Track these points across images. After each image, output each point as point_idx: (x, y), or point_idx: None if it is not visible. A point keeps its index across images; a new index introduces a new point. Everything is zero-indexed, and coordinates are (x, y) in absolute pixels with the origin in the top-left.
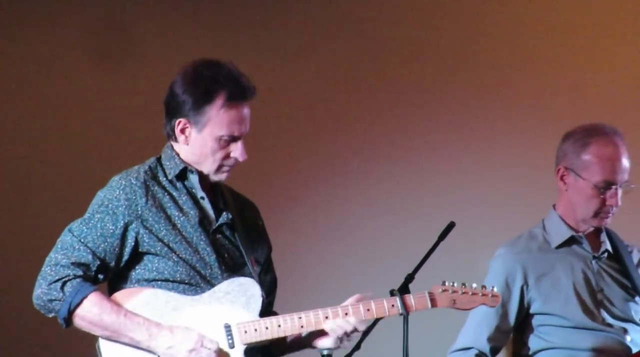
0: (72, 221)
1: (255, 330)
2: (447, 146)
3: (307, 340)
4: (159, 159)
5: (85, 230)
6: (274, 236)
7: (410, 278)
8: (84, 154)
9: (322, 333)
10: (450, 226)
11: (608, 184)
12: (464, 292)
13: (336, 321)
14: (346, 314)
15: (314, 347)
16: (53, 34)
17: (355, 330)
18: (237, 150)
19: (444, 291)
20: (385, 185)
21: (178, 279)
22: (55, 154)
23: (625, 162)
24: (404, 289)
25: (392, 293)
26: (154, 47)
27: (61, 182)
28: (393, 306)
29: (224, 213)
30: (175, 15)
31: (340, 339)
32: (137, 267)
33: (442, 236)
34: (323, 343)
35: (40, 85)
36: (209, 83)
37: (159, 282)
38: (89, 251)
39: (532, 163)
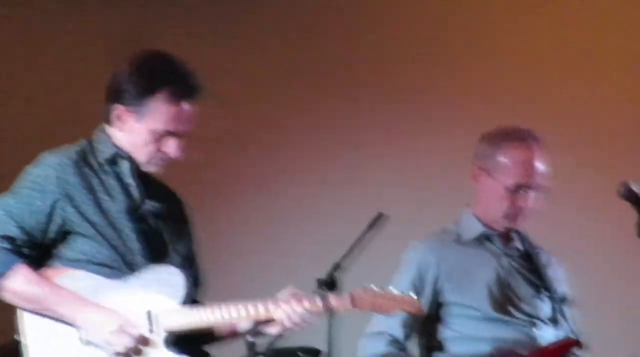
0: None
1: (177, 318)
2: (375, 139)
3: (229, 332)
4: (90, 142)
5: (14, 204)
6: (202, 229)
7: (337, 267)
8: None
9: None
10: (378, 217)
11: (519, 187)
12: (384, 297)
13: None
14: (274, 310)
15: (237, 336)
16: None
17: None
18: (171, 147)
19: (365, 293)
20: (314, 177)
21: (102, 262)
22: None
23: (540, 166)
24: (330, 279)
25: (318, 285)
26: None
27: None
28: (314, 304)
29: (151, 202)
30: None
31: (285, 327)
32: (63, 246)
33: (370, 226)
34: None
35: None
36: (155, 76)
37: (84, 263)
38: (16, 225)
39: (459, 159)
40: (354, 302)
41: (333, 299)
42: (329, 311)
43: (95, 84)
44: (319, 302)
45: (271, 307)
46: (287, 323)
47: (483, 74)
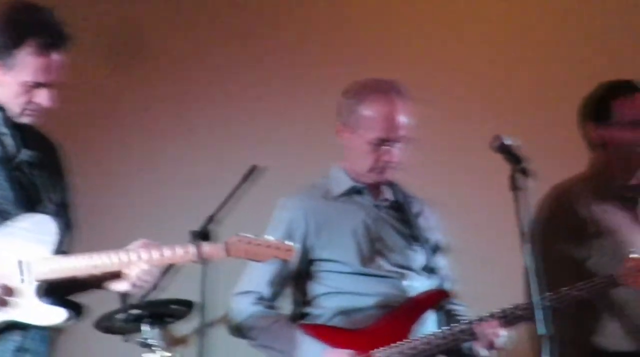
0: None
1: (49, 267)
2: (249, 92)
3: (100, 281)
4: None
5: None
6: (76, 180)
7: (210, 219)
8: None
9: (116, 275)
10: (252, 170)
11: (382, 141)
12: (258, 245)
13: (134, 266)
14: (139, 258)
15: (106, 289)
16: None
17: (150, 275)
18: (41, 97)
19: (239, 241)
20: (188, 130)
21: None
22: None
23: (402, 119)
24: (203, 231)
25: (192, 237)
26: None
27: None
28: (187, 252)
29: (27, 151)
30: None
31: (134, 284)
32: None
33: (244, 179)
34: (117, 286)
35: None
36: (21, 28)
37: None
38: None
39: (332, 112)
40: (228, 250)
41: (207, 247)
42: (203, 260)
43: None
44: (192, 250)
45: (142, 254)
46: (141, 276)
47: (356, 30)
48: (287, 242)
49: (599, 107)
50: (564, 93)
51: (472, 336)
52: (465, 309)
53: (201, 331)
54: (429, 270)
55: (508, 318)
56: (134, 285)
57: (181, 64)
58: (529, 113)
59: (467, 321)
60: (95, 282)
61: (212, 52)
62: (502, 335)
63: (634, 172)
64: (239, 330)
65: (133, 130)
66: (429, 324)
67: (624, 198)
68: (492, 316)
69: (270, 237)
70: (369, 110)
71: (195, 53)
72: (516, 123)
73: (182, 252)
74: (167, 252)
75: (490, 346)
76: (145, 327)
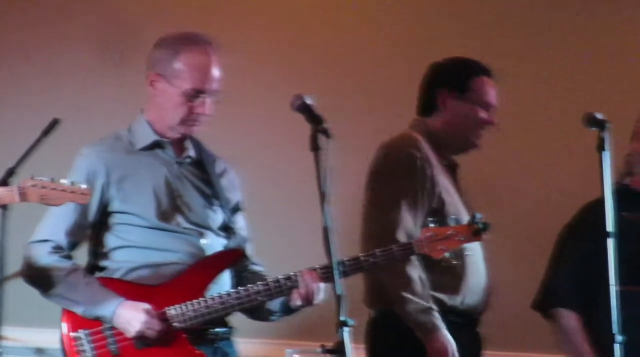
0: None
1: None
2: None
3: None
4: None
5: None
6: None
7: (10, 172)
8: None
9: None
10: (53, 123)
11: (196, 93)
12: (53, 188)
13: None
14: None
15: None
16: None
17: None
18: None
19: (34, 185)
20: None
21: None
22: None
23: (216, 71)
24: (2, 184)
25: None
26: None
27: None
28: None
29: None
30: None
31: None
32: None
33: (45, 132)
34: None
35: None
36: None
37: None
38: None
39: None
40: (22, 194)
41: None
42: None
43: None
44: None
45: None
46: None
47: None
48: (83, 186)
49: (459, 78)
50: (363, 56)
51: (290, 289)
52: (264, 269)
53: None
54: (228, 230)
55: (327, 273)
56: None
57: None
58: (328, 73)
59: (288, 274)
60: None
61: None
62: (321, 288)
63: (457, 150)
64: (33, 279)
65: None
66: (225, 283)
67: (447, 164)
68: (313, 269)
69: (65, 181)
70: (185, 61)
71: None
72: (317, 82)
73: None
74: None
75: (309, 298)
76: None
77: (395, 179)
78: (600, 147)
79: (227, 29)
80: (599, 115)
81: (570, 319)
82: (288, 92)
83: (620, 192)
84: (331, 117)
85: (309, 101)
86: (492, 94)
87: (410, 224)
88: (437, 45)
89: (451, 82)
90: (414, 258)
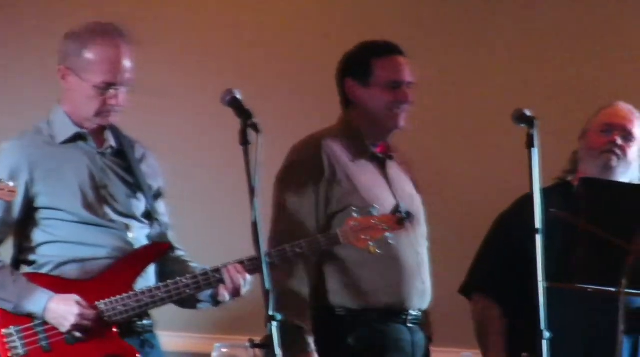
0: None
1: None
2: None
3: None
4: None
5: None
6: None
7: None
8: None
9: None
10: None
11: (108, 86)
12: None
13: None
14: None
15: None
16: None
17: None
18: None
19: None
20: None
21: None
22: None
23: (127, 62)
24: None
25: None
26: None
27: None
28: None
29: None
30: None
31: None
32: None
33: None
34: None
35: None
36: None
37: None
38: None
39: None
40: None
41: None
42: None
43: None
44: None
45: None
46: None
47: None
48: (9, 183)
49: (360, 65)
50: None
51: (218, 281)
52: (186, 253)
53: None
54: (150, 217)
55: (253, 265)
56: None
57: None
58: (258, 68)
59: (217, 267)
60: None
61: None
62: (248, 281)
63: (381, 136)
64: None
65: None
66: (151, 274)
67: (373, 156)
68: (240, 262)
69: None
70: (95, 54)
71: None
72: (246, 76)
73: None
74: None
75: (236, 292)
76: None
77: (289, 183)
78: (530, 144)
79: (160, 20)
80: (528, 112)
81: (485, 305)
82: (219, 87)
83: (560, 189)
84: (260, 112)
85: (238, 96)
86: (399, 70)
87: (309, 222)
88: (369, 38)
89: (354, 71)
90: (300, 268)
